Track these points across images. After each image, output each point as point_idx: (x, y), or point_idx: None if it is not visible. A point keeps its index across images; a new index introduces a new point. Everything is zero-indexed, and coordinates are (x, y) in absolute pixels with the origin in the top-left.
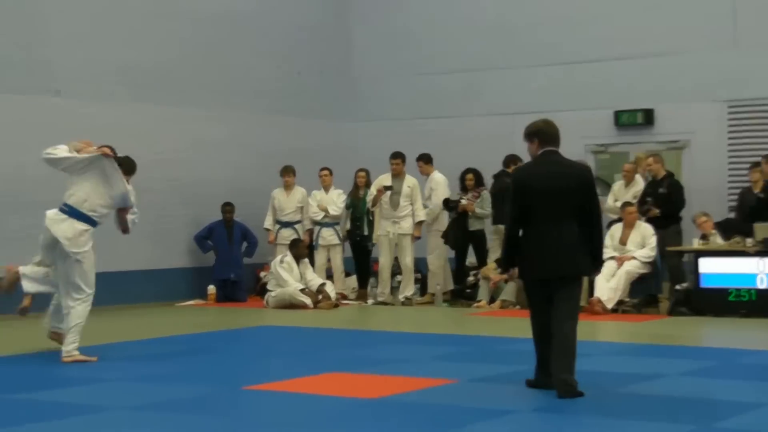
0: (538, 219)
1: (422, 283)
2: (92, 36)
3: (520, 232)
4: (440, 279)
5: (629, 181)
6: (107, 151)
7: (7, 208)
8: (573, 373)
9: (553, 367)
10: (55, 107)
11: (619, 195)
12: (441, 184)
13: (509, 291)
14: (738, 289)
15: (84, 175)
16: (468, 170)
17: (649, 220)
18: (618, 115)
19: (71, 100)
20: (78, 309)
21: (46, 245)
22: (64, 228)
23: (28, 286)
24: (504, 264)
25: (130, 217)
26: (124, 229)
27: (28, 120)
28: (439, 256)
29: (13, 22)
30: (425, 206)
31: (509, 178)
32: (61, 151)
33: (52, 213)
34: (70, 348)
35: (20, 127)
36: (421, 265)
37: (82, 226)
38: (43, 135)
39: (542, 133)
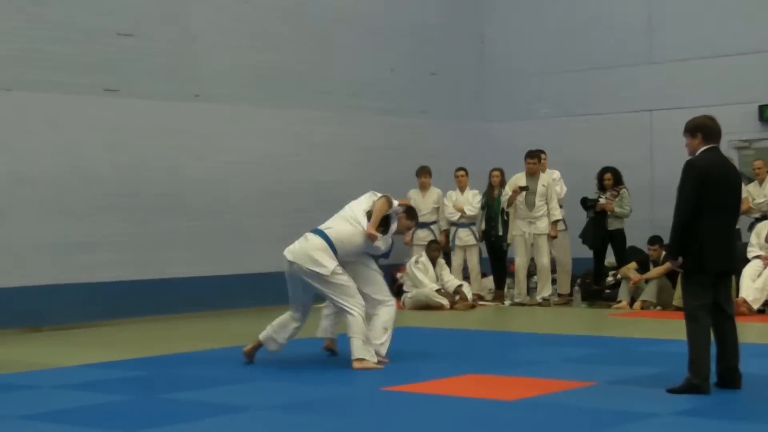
0: (715, 211)
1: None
2: (229, 39)
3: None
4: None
5: (762, 178)
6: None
7: (163, 211)
8: None
9: (731, 360)
10: (193, 111)
11: (754, 194)
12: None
13: (650, 291)
14: None
15: None
16: (606, 169)
17: None
18: (762, 109)
19: (209, 104)
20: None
21: None
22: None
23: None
24: (676, 251)
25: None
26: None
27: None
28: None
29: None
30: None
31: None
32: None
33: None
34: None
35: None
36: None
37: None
38: (181, 139)
39: (707, 129)
